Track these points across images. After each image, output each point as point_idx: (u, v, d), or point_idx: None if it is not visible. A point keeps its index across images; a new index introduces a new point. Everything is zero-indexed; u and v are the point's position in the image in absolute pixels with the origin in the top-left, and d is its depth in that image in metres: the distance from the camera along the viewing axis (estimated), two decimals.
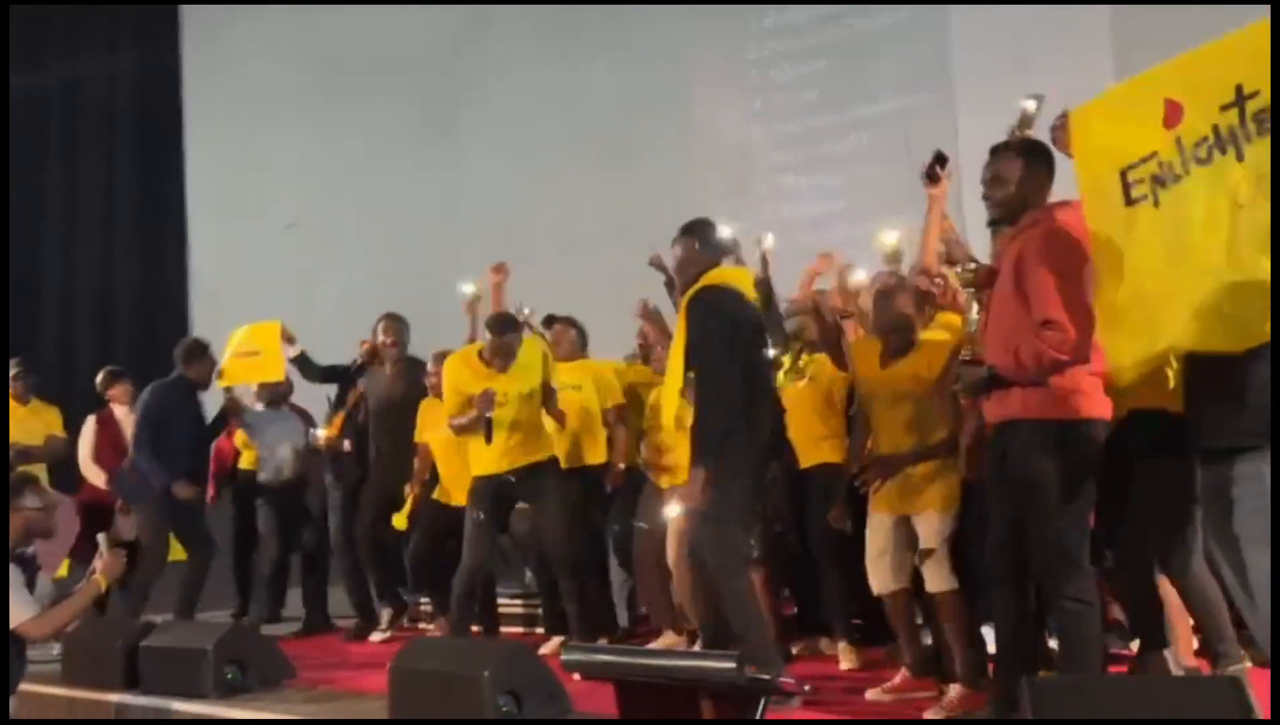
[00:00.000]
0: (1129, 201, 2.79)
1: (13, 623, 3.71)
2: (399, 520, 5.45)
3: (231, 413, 6.18)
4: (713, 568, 3.67)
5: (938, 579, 3.53)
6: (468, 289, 5.79)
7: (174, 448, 5.71)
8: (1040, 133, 3.23)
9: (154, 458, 5.68)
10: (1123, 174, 2.80)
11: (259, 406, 6.38)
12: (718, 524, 3.65)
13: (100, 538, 4.03)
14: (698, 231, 3.92)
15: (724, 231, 4.04)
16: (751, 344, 3.83)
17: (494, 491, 4.72)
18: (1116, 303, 2.83)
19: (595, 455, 5.18)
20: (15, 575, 3.79)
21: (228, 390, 6.17)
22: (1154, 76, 2.81)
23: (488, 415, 4.57)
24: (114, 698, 4.46)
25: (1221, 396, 2.72)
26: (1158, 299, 2.74)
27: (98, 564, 3.93)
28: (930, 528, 3.54)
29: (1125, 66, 7.21)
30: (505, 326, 4.74)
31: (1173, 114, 2.68)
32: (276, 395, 6.37)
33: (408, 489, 5.50)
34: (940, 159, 3.68)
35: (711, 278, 3.79)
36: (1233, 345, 2.64)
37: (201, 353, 5.94)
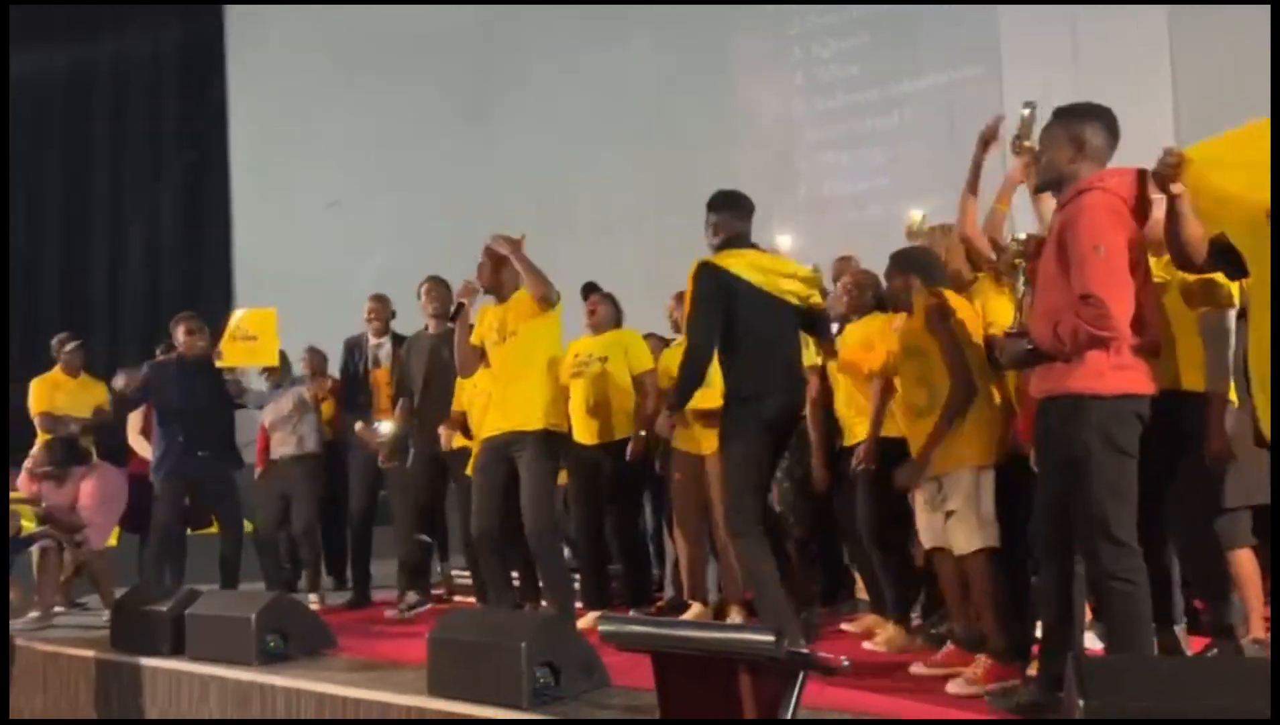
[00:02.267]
0: None
1: None
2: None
3: (235, 394, 6.26)
4: (725, 532, 3.96)
5: (960, 540, 3.48)
6: None
7: (180, 417, 5.89)
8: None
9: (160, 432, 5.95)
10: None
11: (263, 388, 6.46)
12: (726, 491, 3.91)
13: None
14: (712, 210, 4.06)
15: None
16: (751, 318, 3.87)
17: (487, 456, 4.68)
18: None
19: (624, 429, 5.15)
20: None
21: (230, 371, 6.23)
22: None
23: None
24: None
25: None
26: None
27: None
28: (953, 488, 3.50)
29: (1178, 39, 7.07)
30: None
31: None
32: (283, 378, 6.45)
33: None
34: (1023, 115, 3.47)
35: (714, 257, 3.97)
36: None
37: (177, 323, 6.12)
